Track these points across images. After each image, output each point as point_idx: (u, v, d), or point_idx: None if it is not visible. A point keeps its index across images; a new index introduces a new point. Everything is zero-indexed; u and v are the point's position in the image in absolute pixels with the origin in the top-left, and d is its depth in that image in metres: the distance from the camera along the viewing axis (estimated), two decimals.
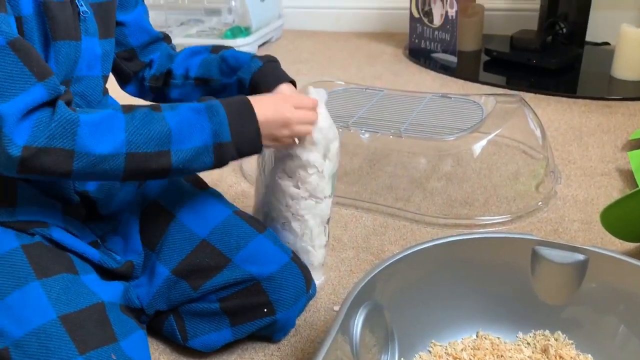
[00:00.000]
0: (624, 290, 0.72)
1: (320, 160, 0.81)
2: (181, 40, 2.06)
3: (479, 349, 0.77)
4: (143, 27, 0.87)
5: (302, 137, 0.78)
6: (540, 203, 1.11)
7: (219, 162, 0.70)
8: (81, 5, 0.71)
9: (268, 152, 0.87)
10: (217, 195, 0.86)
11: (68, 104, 0.64)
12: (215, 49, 0.88)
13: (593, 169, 1.23)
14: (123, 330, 0.69)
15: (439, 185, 1.19)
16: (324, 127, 0.80)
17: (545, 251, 0.76)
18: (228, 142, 0.68)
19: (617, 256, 0.73)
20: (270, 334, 0.82)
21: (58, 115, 0.61)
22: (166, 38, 0.93)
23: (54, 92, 0.62)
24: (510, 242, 0.78)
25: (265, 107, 0.72)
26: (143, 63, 0.89)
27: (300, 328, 0.86)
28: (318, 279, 0.94)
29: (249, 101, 0.71)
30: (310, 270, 0.84)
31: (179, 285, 0.78)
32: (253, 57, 0.86)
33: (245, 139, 0.70)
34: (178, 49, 0.93)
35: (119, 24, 0.84)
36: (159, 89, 0.90)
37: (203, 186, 0.88)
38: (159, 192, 0.84)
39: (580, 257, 0.74)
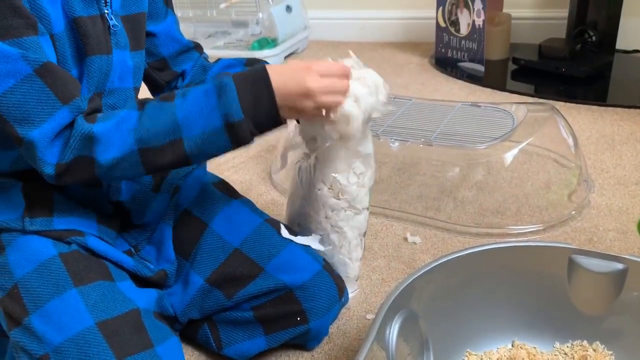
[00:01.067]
0: None
1: (361, 140, 0.81)
2: (209, 52, 2.08)
3: (514, 359, 0.76)
4: (174, 37, 0.89)
5: (332, 109, 0.72)
6: (573, 212, 1.10)
7: (237, 142, 0.67)
8: (111, 19, 0.73)
9: (305, 164, 0.87)
10: (248, 204, 0.87)
11: (95, 111, 0.68)
12: (250, 62, 0.90)
13: (627, 178, 1.21)
14: (158, 336, 0.70)
15: (469, 194, 1.19)
16: (361, 95, 0.73)
17: (583, 260, 0.75)
18: (240, 120, 0.65)
19: None
20: (304, 342, 0.82)
21: (75, 131, 0.65)
22: (197, 47, 0.94)
23: (78, 111, 0.66)
24: (546, 250, 0.77)
25: (283, 76, 0.67)
26: (175, 73, 0.91)
27: (333, 336, 0.86)
28: (353, 290, 0.94)
29: (265, 71, 0.67)
30: (346, 282, 0.85)
31: (212, 294, 0.79)
32: None
33: (261, 112, 0.67)
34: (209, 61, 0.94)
35: (149, 34, 0.85)
36: None
37: (235, 194, 0.88)
38: (192, 200, 0.86)
39: (619, 266, 0.73)
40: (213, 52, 2.08)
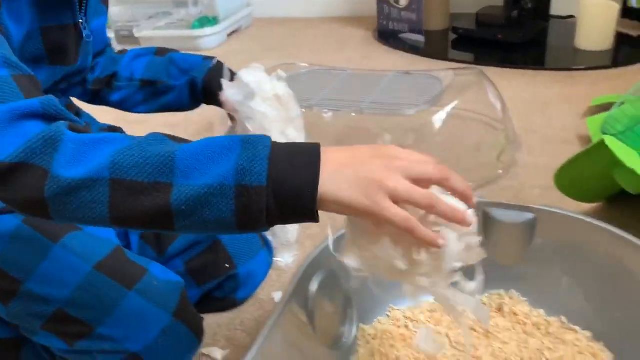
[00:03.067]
0: (568, 243, 0.74)
1: None
2: (150, 33, 2.06)
3: (436, 311, 0.79)
4: (104, 35, 0.87)
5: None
6: (501, 172, 1.14)
7: (244, 218, 0.47)
8: (84, 29, 0.70)
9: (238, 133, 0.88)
10: None
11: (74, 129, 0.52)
12: (161, 51, 0.89)
13: (554, 137, 1.25)
14: (145, 261, 0.71)
15: None
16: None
17: (496, 212, 0.78)
18: (260, 185, 0.46)
19: (562, 212, 0.75)
20: (233, 292, 0.85)
21: (48, 129, 0.48)
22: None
23: (50, 107, 0.51)
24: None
25: (341, 155, 0.49)
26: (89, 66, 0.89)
27: (265, 303, 0.88)
28: (292, 255, 0.96)
29: (318, 145, 0.49)
30: (286, 247, 0.88)
31: (145, 252, 0.82)
32: (205, 58, 0.87)
33: (292, 185, 0.47)
34: (148, 43, 0.93)
35: None
36: (100, 92, 0.90)
37: None
38: None
39: (529, 215, 0.76)
40: (155, 33, 2.05)
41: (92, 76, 0.89)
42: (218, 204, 0.47)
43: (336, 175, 0.47)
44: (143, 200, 0.47)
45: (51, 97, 0.51)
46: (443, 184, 0.51)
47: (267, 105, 0.86)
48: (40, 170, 0.47)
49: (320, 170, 0.46)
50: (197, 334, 0.73)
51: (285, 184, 0.46)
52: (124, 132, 0.86)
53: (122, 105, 0.92)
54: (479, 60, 1.78)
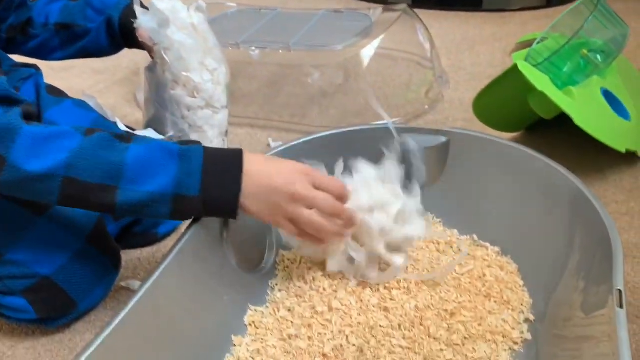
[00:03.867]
0: (480, 164, 0.76)
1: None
2: None
3: None
4: None
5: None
6: (427, 107, 1.15)
7: (178, 215, 0.59)
8: None
9: (154, 66, 0.86)
10: (81, 104, 0.84)
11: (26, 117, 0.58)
12: None
13: (481, 74, 1.28)
14: None
15: (334, 99, 1.21)
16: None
17: (411, 138, 0.79)
18: (194, 195, 0.57)
19: (472, 133, 0.77)
20: (155, 228, 0.84)
21: (4, 118, 0.55)
22: None
23: (5, 91, 0.57)
24: (377, 132, 0.80)
25: (262, 166, 0.60)
26: None
27: None
28: None
29: (241, 154, 0.60)
30: None
31: None
32: None
33: (219, 197, 0.58)
34: None
35: None
36: (14, 40, 0.86)
37: (66, 96, 0.84)
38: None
39: (442, 139, 0.78)
40: None
41: (5, 24, 0.84)
42: (157, 207, 0.57)
43: (253, 197, 0.59)
44: (90, 196, 0.56)
45: (2, 77, 0.57)
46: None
47: (183, 34, 0.83)
48: None
49: (242, 188, 0.58)
50: (113, 262, 0.72)
51: (214, 194, 0.58)
52: (39, 70, 0.83)
53: (38, 53, 0.88)
54: (416, 3, 1.77)
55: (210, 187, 0.57)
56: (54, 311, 0.70)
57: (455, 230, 0.79)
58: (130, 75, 1.41)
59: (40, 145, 0.55)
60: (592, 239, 0.62)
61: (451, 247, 0.77)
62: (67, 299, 0.69)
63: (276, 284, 0.73)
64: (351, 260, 0.68)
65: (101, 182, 0.56)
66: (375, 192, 0.68)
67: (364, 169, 0.70)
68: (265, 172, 0.60)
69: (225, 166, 0.58)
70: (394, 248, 0.69)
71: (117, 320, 0.54)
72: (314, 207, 0.61)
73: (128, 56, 1.48)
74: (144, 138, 0.60)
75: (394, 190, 0.69)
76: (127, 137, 0.58)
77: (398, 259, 0.69)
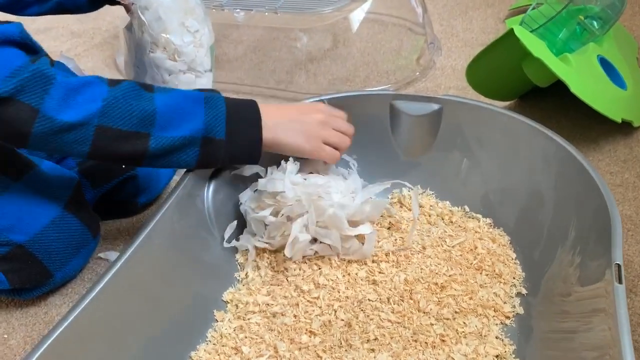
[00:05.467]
0: (473, 131, 0.74)
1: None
2: None
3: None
4: None
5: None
6: (418, 73, 1.11)
7: (204, 160, 0.61)
8: None
9: (133, 27, 0.81)
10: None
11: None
12: None
13: (474, 40, 1.24)
14: (37, 160, 0.69)
15: (322, 65, 1.17)
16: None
17: (402, 104, 0.76)
18: (221, 139, 0.60)
19: (465, 101, 0.73)
20: (134, 198, 0.81)
21: (35, 67, 0.53)
22: None
23: (26, 36, 0.56)
24: (369, 98, 0.77)
25: (277, 113, 0.65)
26: None
27: None
28: None
29: (255, 104, 0.64)
30: None
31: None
32: None
33: (242, 140, 0.62)
34: None
35: None
36: None
37: None
38: None
39: (435, 106, 0.75)
40: None
41: None
42: (187, 150, 0.60)
43: (283, 128, 0.64)
44: (122, 144, 0.57)
45: (20, 23, 0.56)
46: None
47: None
48: (28, 107, 0.53)
49: (262, 128, 0.62)
50: (91, 232, 0.69)
51: (238, 137, 0.61)
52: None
53: (12, 8, 0.82)
54: None
55: (234, 130, 0.61)
56: (29, 282, 0.67)
57: (447, 202, 0.76)
58: (109, 39, 1.35)
59: (74, 95, 0.55)
60: (589, 212, 0.60)
61: (442, 219, 0.74)
62: (43, 269, 0.66)
63: (246, 276, 0.68)
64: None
65: (134, 129, 0.57)
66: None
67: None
68: (283, 110, 0.66)
69: (246, 111, 0.63)
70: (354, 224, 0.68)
71: (92, 294, 0.52)
72: (337, 128, 0.68)
73: (107, 19, 1.43)
74: (165, 87, 0.61)
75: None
76: (150, 87, 0.59)
77: (366, 227, 0.67)
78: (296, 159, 0.68)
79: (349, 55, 1.19)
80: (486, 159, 0.74)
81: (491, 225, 0.73)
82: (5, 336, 0.66)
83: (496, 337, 0.59)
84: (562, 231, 0.63)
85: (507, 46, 0.84)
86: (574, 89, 0.80)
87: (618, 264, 0.50)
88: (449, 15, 1.36)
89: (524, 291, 0.64)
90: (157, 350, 0.57)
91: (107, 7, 0.84)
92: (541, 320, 0.59)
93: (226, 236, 0.68)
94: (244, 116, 0.62)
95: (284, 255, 0.65)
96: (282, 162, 0.68)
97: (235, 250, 0.70)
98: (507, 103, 1.01)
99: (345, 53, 1.19)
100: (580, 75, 0.85)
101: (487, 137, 0.73)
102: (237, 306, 0.64)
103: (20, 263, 0.65)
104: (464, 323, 0.60)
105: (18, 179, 0.64)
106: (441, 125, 0.75)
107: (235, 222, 0.69)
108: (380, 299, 0.63)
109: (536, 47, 0.81)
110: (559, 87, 0.85)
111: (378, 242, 0.70)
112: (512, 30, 0.81)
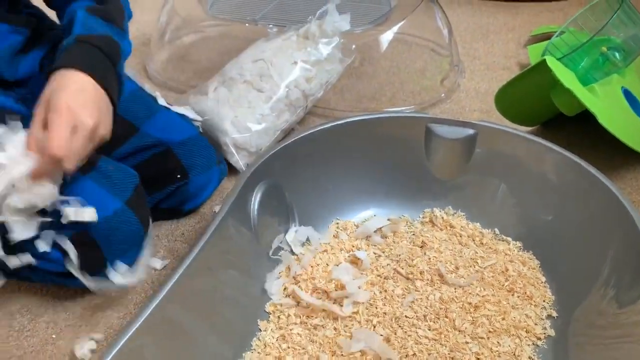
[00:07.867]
0: (506, 159, 0.76)
1: None
2: None
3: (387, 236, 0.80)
4: None
5: None
6: (443, 95, 1.15)
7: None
8: None
9: None
10: None
11: None
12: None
13: (496, 64, 1.27)
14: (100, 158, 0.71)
15: (348, 82, 1.20)
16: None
17: (438, 128, 0.79)
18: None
19: (501, 128, 0.76)
20: (181, 205, 0.84)
21: None
22: None
23: None
24: (405, 120, 0.80)
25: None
26: None
27: (206, 216, 0.86)
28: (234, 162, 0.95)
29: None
30: (224, 152, 0.91)
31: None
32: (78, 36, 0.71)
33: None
34: None
35: None
36: None
37: None
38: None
39: (470, 131, 0.78)
40: None
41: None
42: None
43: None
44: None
45: None
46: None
47: None
48: None
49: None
50: (145, 230, 0.71)
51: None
52: None
53: None
54: None
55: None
56: (85, 267, 0.67)
57: (478, 224, 0.79)
58: (139, 46, 1.38)
59: None
60: (621, 243, 0.63)
61: (473, 240, 0.77)
62: (100, 257, 0.67)
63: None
64: None
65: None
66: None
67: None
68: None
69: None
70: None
71: (157, 300, 0.55)
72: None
73: (135, 25, 1.45)
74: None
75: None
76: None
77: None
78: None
79: (374, 74, 1.22)
80: (517, 183, 0.77)
81: (520, 248, 0.76)
82: (54, 336, 0.68)
83: (529, 357, 0.62)
84: (594, 261, 0.66)
85: (538, 75, 0.87)
86: (602, 119, 0.83)
87: None
88: (471, 39, 1.39)
89: (555, 314, 0.67)
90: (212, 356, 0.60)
91: None
92: (576, 346, 0.62)
93: (273, 247, 0.71)
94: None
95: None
96: None
97: (278, 261, 0.72)
98: (530, 128, 1.04)
99: (371, 71, 1.22)
100: (606, 106, 0.88)
101: (519, 164, 0.76)
102: (279, 317, 0.67)
103: (81, 247, 0.66)
104: (498, 342, 0.63)
105: (85, 172, 0.66)
106: (475, 149, 0.78)
107: (282, 235, 0.72)
108: (417, 316, 0.66)
109: (566, 77, 0.84)
110: (579, 114, 0.88)
111: (412, 260, 0.73)
112: (544, 60, 0.84)
